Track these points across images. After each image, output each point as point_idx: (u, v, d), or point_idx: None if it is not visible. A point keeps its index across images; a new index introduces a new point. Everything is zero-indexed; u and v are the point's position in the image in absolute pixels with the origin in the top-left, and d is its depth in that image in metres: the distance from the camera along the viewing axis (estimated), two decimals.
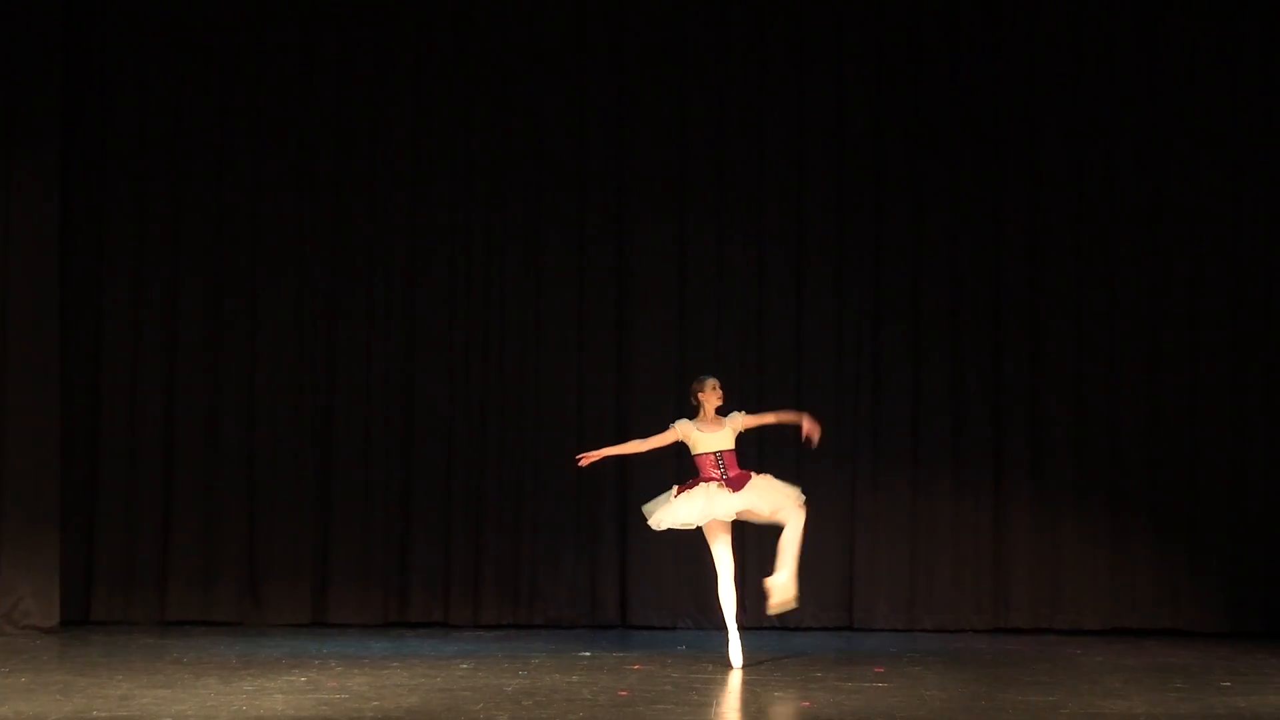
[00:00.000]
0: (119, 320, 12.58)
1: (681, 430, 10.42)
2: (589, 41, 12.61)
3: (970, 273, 12.40)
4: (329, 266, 12.61)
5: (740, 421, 10.45)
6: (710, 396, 10.41)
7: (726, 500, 10.23)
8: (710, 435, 10.37)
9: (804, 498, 10.29)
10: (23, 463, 12.07)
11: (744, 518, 10.37)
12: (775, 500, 10.28)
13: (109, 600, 12.49)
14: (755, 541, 12.27)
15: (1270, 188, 12.28)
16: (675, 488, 10.39)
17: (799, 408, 12.28)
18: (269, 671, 10.08)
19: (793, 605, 10.30)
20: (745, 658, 10.30)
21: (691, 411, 10.45)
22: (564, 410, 12.46)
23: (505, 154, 12.60)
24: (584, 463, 10.48)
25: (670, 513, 10.32)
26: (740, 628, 10.40)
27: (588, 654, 10.91)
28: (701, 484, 10.30)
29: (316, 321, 12.59)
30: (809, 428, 10.41)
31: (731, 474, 10.30)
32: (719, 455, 10.32)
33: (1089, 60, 12.37)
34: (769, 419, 10.63)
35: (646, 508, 10.52)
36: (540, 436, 12.47)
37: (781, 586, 10.18)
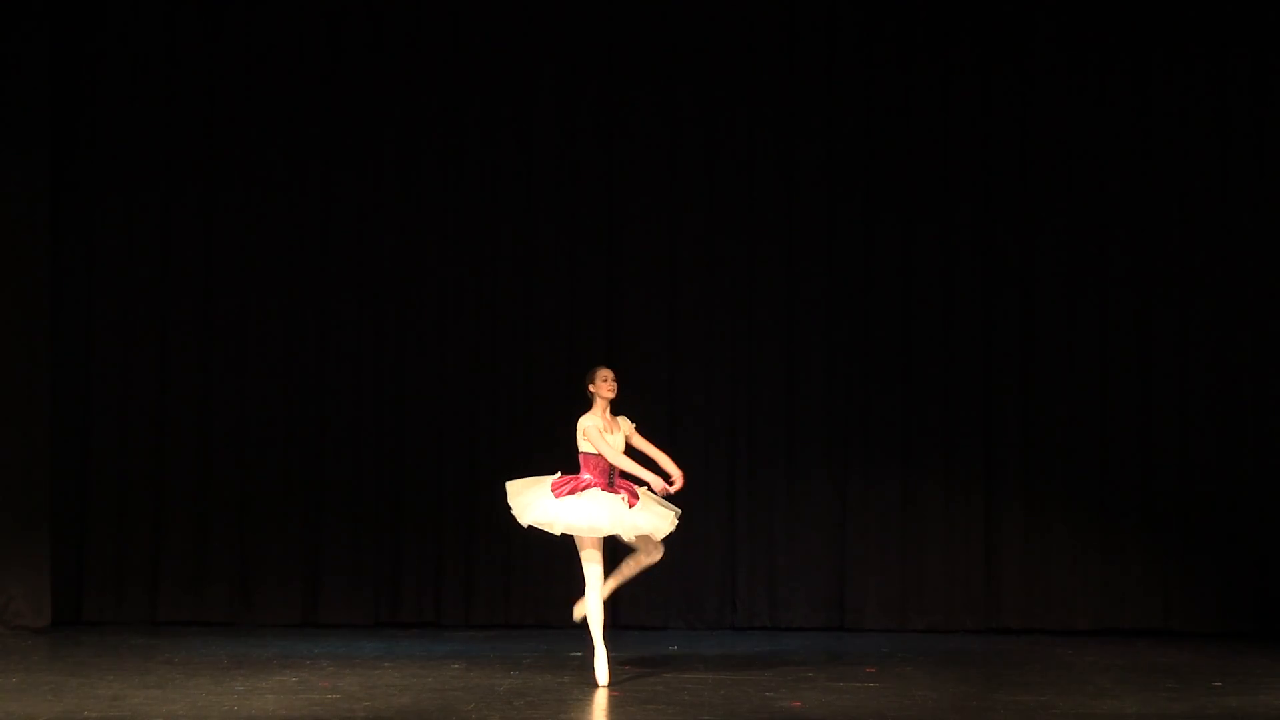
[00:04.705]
0: (110, 320, 12.57)
1: (592, 427, 9.48)
2: (582, 35, 12.65)
3: (961, 274, 12.40)
4: (319, 269, 12.61)
5: (630, 429, 9.63)
6: (603, 388, 9.59)
7: (631, 517, 9.41)
8: (610, 436, 9.57)
9: (676, 523, 9.58)
10: (13, 462, 12.08)
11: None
12: (657, 527, 9.50)
13: (100, 600, 12.49)
14: (747, 534, 12.32)
15: (1262, 190, 12.30)
16: (556, 477, 9.62)
17: (791, 408, 12.40)
18: (260, 672, 10.08)
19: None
20: (727, 660, 10.28)
21: (586, 404, 9.53)
22: (554, 407, 12.42)
23: (496, 156, 12.61)
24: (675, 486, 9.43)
25: (553, 512, 9.45)
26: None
27: (579, 654, 10.91)
28: (594, 488, 9.49)
29: (308, 323, 12.59)
30: (673, 477, 9.46)
31: (619, 483, 9.51)
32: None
33: (1082, 67, 12.40)
34: (652, 452, 9.62)
35: (512, 487, 9.65)
36: (530, 435, 12.46)
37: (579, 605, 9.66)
